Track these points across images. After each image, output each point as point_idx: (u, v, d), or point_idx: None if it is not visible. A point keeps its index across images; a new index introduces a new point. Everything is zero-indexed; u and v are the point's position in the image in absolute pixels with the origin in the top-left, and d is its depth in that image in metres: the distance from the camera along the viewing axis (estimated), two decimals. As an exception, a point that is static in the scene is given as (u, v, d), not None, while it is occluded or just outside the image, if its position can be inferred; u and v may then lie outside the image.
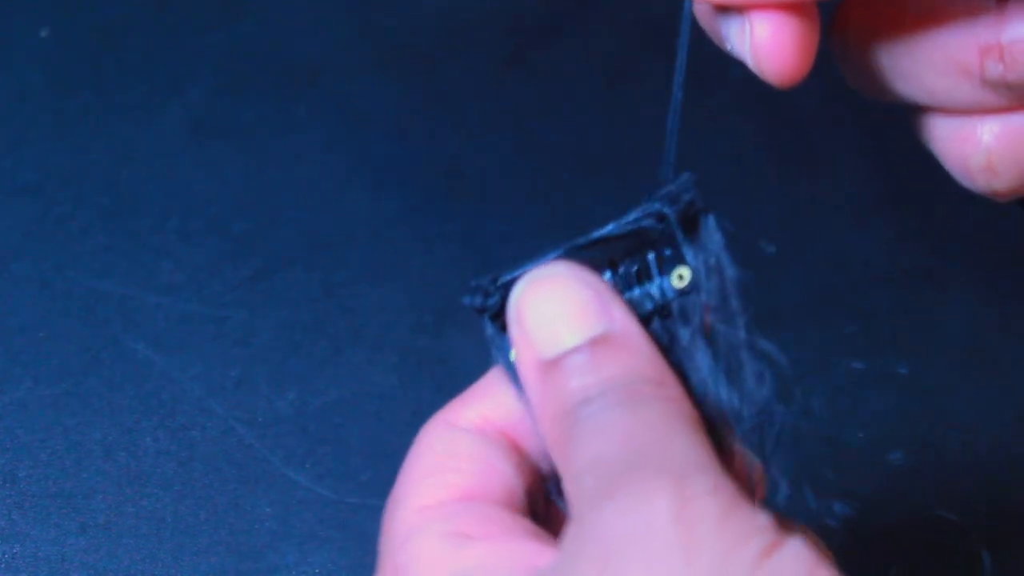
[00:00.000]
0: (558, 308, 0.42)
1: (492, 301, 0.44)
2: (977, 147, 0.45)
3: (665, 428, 0.40)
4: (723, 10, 0.46)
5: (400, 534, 0.42)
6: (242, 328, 0.65)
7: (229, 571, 0.58)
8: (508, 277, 0.43)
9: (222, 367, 0.64)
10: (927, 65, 0.44)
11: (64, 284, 0.66)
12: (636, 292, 0.44)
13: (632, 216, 0.44)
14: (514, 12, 0.75)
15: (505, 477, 0.44)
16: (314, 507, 0.60)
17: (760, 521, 0.37)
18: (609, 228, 0.44)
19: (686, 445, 0.40)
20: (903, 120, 0.47)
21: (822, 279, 0.67)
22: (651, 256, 0.44)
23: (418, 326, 0.65)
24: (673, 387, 0.42)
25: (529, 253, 0.47)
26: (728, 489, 0.38)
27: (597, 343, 0.42)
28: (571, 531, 0.39)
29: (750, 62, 0.46)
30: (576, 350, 0.42)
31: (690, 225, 0.43)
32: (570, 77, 0.73)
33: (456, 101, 0.72)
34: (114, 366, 0.64)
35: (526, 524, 0.42)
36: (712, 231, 0.43)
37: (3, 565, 0.58)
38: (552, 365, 0.42)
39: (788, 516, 0.40)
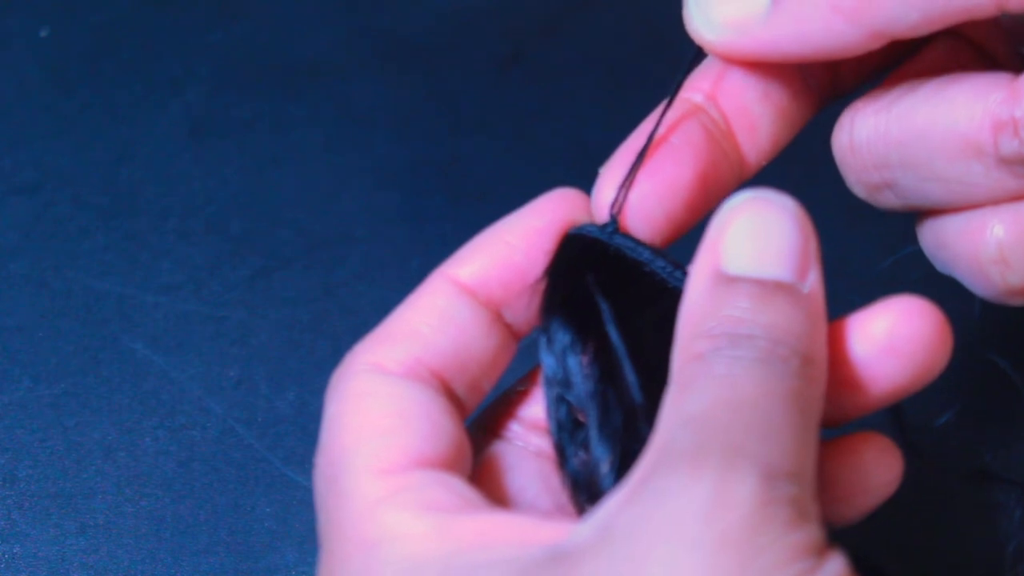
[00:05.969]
0: (767, 235, 0.40)
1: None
2: (988, 240, 0.45)
3: (783, 413, 0.37)
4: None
5: (360, 502, 0.40)
6: (241, 328, 0.65)
7: (229, 571, 0.58)
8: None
9: (221, 367, 0.64)
10: (939, 150, 0.44)
11: (63, 284, 0.66)
12: None
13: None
14: (514, 12, 0.75)
15: (452, 437, 0.41)
16: (314, 507, 0.60)
17: (815, 540, 0.35)
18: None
19: (793, 440, 0.37)
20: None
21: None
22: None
23: (418, 326, 0.65)
24: (820, 375, 0.39)
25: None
26: (807, 500, 0.36)
27: (781, 288, 0.39)
28: (622, 502, 0.36)
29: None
30: (759, 282, 0.39)
31: None
32: (570, 77, 0.73)
33: (456, 101, 0.72)
34: (113, 366, 0.64)
35: (480, 494, 0.40)
36: None
37: (3, 565, 0.58)
38: (728, 281, 0.39)
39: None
